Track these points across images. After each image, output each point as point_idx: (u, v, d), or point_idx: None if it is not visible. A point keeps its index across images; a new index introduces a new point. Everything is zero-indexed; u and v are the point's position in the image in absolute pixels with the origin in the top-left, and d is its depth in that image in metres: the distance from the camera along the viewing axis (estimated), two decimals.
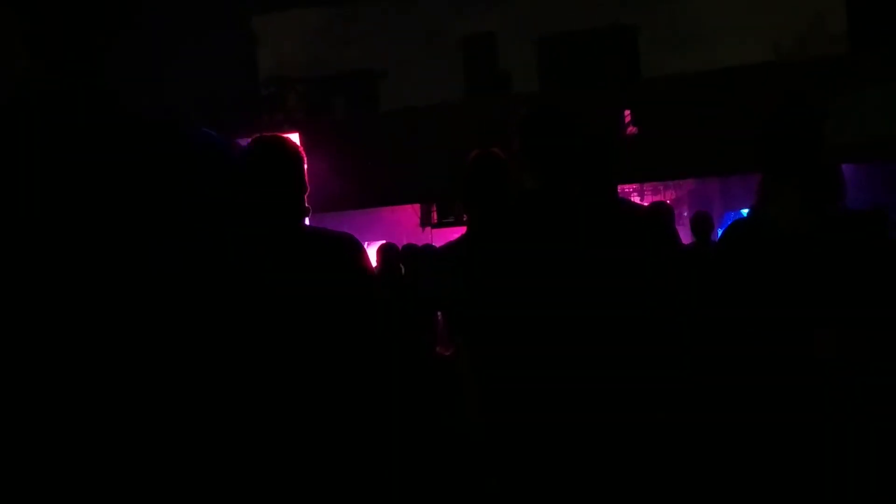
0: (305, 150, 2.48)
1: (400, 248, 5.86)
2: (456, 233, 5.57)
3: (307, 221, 2.45)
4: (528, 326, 1.96)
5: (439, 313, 4.25)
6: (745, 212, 2.42)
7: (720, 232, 2.87)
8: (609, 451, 1.95)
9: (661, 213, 5.05)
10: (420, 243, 6.51)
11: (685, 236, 5.92)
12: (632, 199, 11.73)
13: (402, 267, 5.72)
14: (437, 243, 6.28)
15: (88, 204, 1.05)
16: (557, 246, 1.99)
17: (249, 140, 2.42)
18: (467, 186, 2.98)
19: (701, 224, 5.94)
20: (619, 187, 2.18)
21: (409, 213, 12.87)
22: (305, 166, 2.39)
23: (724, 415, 2.30)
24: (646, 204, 9.99)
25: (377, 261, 5.67)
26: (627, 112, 10.34)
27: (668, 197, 14.43)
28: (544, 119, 2.11)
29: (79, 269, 1.03)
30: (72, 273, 1.03)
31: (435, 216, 12.72)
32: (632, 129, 10.42)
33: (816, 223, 2.08)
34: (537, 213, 2.06)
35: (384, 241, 6.15)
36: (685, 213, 13.18)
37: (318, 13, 13.75)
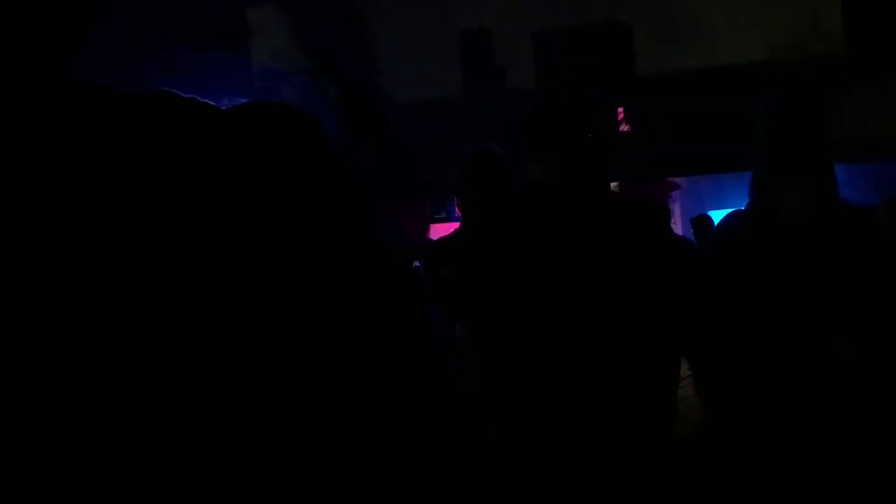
0: None
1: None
2: (449, 228, 5.56)
3: None
4: (539, 314, 1.94)
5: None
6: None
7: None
8: (609, 436, 1.93)
9: (664, 210, 5.03)
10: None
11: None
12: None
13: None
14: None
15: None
16: (577, 234, 1.96)
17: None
18: (465, 181, 2.97)
19: (702, 226, 5.94)
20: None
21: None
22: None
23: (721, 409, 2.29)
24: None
25: None
26: (620, 109, 10.34)
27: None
28: (559, 106, 2.07)
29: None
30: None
31: (428, 212, 12.65)
32: (624, 127, 10.42)
33: (826, 217, 2.07)
34: (556, 201, 2.03)
35: None
36: (676, 212, 13.18)
37: (312, 6, 13.68)
